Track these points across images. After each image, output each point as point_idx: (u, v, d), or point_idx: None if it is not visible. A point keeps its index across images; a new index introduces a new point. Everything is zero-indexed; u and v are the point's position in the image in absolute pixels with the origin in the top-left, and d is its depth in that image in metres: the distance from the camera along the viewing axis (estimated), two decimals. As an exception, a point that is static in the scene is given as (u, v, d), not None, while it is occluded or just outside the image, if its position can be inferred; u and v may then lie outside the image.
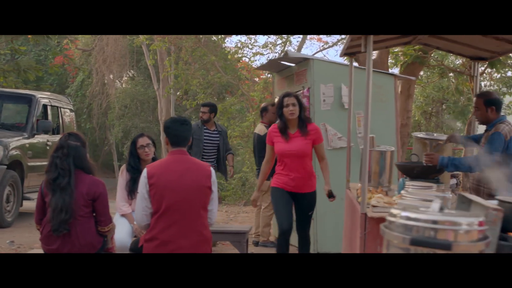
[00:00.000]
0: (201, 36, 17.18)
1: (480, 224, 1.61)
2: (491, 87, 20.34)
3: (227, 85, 18.80)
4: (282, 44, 18.91)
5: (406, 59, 12.73)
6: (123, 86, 25.82)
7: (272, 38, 18.53)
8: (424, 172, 4.85)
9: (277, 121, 5.52)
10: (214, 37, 19.10)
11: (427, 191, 2.38)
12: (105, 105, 22.22)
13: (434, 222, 1.58)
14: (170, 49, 18.22)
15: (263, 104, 8.15)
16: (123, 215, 5.53)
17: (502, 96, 20.36)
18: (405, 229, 1.59)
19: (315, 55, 20.89)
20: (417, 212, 1.60)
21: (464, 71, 13.73)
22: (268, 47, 18.55)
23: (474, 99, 5.04)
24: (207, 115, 8.00)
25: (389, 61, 14.52)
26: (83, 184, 4.47)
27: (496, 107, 4.82)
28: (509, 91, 19.63)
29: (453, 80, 15.48)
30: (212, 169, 4.45)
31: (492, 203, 1.89)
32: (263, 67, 9.26)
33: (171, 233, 4.19)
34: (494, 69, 16.13)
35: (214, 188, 4.40)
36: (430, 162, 4.79)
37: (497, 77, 19.33)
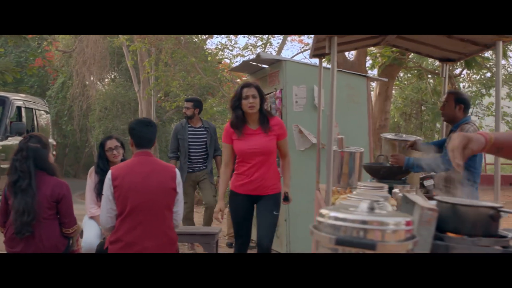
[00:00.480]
0: (181, 37, 17.15)
1: (408, 223, 1.61)
2: (470, 89, 20.52)
3: (208, 86, 18.77)
4: (263, 45, 18.94)
5: (384, 61, 12.80)
6: (105, 88, 25.71)
7: (253, 39, 18.56)
8: (390, 173, 4.86)
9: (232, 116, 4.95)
10: (195, 39, 19.09)
11: (378, 191, 2.38)
12: (85, 107, 22.08)
13: (361, 222, 1.58)
14: (151, 51, 18.16)
15: None
16: (92, 217, 5.50)
17: (481, 98, 20.56)
18: (333, 229, 1.59)
19: (295, 57, 20.98)
20: (345, 212, 1.60)
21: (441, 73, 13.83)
22: (248, 49, 18.58)
23: (445, 95, 5.07)
24: (191, 111, 7.49)
25: (369, 62, 14.62)
26: (46, 186, 4.44)
27: (464, 106, 4.85)
28: (488, 92, 19.80)
29: (431, 82, 15.59)
30: (177, 170, 4.43)
31: (429, 203, 1.90)
32: (236, 69, 9.24)
33: (135, 234, 4.18)
34: (472, 70, 16.29)
35: (179, 189, 4.39)
36: (395, 163, 4.80)
37: (476, 78, 19.51)
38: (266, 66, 7.59)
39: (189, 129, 7.49)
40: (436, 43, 5.27)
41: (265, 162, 4.86)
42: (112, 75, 25.50)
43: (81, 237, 5.28)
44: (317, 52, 5.29)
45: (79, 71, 20.77)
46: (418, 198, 2.00)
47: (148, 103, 19.31)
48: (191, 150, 7.46)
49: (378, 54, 13.11)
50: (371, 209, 1.66)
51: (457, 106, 4.86)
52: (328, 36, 4.30)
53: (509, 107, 20.45)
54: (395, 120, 17.19)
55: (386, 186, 2.45)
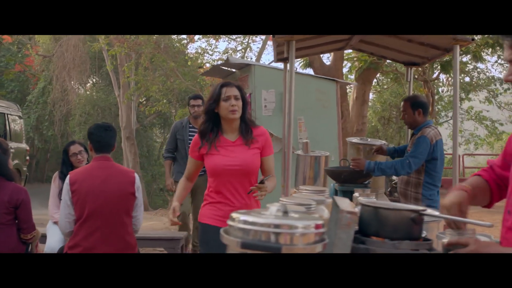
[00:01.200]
0: (161, 41, 17.14)
1: (317, 227, 1.61)
2: (449, 93, 20.67)
3: (188, 91, 18.75)
4: (243, 50, 18.96)
5: (361, 65, 12.87)
6: (87, 92, 25.60)
7: (233, 44, 18.59)
8: (352, 177, 4.89)
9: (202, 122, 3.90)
10: (176, 43, 19.08)
11: (316, 195, 2.39)
12: (65, 111, 21.97)
13: (269, 225, 1.58)
14: (130, 55, 18.12)
15: None
16: (55, 222, 5.46)
17: (461, 101, 20.71)
18: (243, 233, 1.59)
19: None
20: (255, 216, 1.59)
21: (417, 77, 13.92)
22: (228, 53, 18.56)
23: (402, 104, 5.10)
24: (200, 109, 6.50)
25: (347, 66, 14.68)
26: (4, 192, 4.41)
27: (422, 110, 4.88)
28: (467, 96, 19.95)
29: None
30: (136, 175, 4.41)
31: (349, 207, 1.90)
32: (207, 73, 9.25)
33: (94, 239, 4.15)
34: (449, 74, 16.39)
35: (139, 194, 4.36)
36: (356, 167, 4.83)
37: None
38: (236, 70, 7.60)
39: (190, 129, 6.76)
40: (398, 47, 5.31)
41: (246, 184, 3.73)
42: (94, 80, 25.40)
43: (43, 242, 5.24)
44: (280, 56, 5.31)
45: (59, 75, 20.65)
46: (343, 202, 2.01)
47: (128, 107, 19.25)
48: None
49: (355, 59, 13.17)
50: (285, 212, 1.66)
51: (415, 111, 4.89)
52: (286, 41, 4.31)
53: (488, 111, 20.64)
54: (373, 124, 17.25)
55: (326, 190, 2.45)
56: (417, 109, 4.88)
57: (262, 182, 3.57)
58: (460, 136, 23.79)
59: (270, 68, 7.56)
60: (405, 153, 5.07)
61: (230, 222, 1.63)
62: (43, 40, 21.76)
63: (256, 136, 3.79)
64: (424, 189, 4.83)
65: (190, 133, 6.73)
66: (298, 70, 12.74)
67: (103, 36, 18.31)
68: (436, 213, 2.16)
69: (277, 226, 1.56)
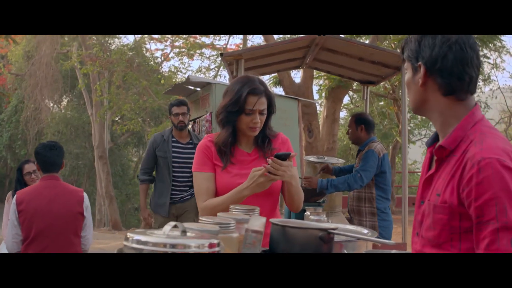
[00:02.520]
0: (134, 60, 17.13)
1: (211, 246, 1.60)
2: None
3: (161, 109, 18.72)
4: (216, 68, 19.01)
5: (331, 84, 12.92)
6: (62, 111, 25.43)
7: (206, 62, 18.67)
8: (304, 195, 4.88)
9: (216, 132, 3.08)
10: (150, 61, 19.09)
11: (244, 214, 2.37)
12: (36, 131, 21.78)
13: (161, 245, 1.57)
14: (103, 73, 18.08)
15: None
16: (9, 242, 5.38)
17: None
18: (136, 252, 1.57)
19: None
20: (148, 236, 1.58)
21: (387, 95, 14.04)
22: (201, 71, 18.62)
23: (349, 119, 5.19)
24: (187, 118, 5.62)
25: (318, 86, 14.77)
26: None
27: (365, 126, 4.96)
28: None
29: (380, 103, 15.80)
30: (85, 194, 4.37)
31: (256, 225, 1.89)
32: (170, 92, 9.17)
33: (40, 260, 4.09)
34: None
35: (87, 214, 4.30)
36: (308, 185, 4.83)
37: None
38: (199, 89, 7.57)
39: (174, 144, 5.57)
40: (352, 65, 5.35)
41: (268, 207, 2.88)
42: (68, 98, 25.25)
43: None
44: (235, 74, 5.32)
45: (31, 94, 20.51)
46: (255, 221, 1.99)
47: (101, 126, 19.15)
48: (176, 174, 5.53)
49: (325, 77, 13.24)
50: (182, 232, 1.65)
51: (358, 128, 4.97)
52: (235, 59, 4.33)
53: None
54: (345, 143, 17.32)
55: (257, 209, 2.43)
56: (360, 125, 4.96)
57: (280, 157, 2.67)
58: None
59: (231, 87, 7.54)
60: (351, 172, 5.12)
61: (124, 242, 1.61)
62: (15, 59, 21.61)
63: (276, 147, 2.99)
64: (377, 202, 4.88)
65: (174, 149, 5.53)
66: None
67: (75, 54, 18.26)
68: (348, 231, 2.15)
69: (172, 245, 1.55)
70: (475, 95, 1.93)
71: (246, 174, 2.80)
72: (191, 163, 3.34)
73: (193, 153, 3.69)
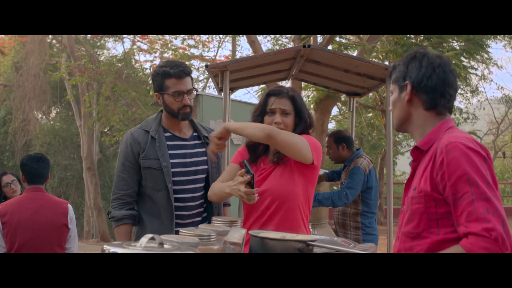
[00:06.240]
0: (123, 71, 17.12)
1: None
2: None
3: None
4: (205, 79, 19.03)
5: (319, 95, 12.95)
6: (50, 122, 25.32)
7: (195, 74, 18.67)
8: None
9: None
10: (139, 72, 19.08)
11: (227, 226, 2.37)
12: (24, 142, 21.67)
13: (137, 258, 1.56)
14: (92, 84, 18.04)
15: None
16: (-9, 255, 5.32)
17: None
18: (111, 266, 1.56)
19: (237, 92, 21.08)
20: (125, 248, 1.57)
21: (375, 107, 14.09)
22: (190, 83, 18.57)
23: (326, 138, 5.17)
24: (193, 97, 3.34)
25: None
26: None
27: (346, 144, 4.96)
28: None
29: (369, 115, 15.85)
30: (69, 206, 4.34)
31: (235, 237, 1.89)
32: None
33: (24, 273, 4.06)
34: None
35: (72, 226, 4.28)
36: (293, 197, 4.82)
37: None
38: (186, 100, 7.57)
39: (171, 143, 3.22)
40: (338, 77, 5.37)
41: (289, 216, 2.82)
42: (56, 109, 25.17)
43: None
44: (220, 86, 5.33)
45: (19, 105, 20.42)
46: (234, 232, 2.00)
47: (89, 137, 19.08)
48: (178, 195, 3.20)
49: (313, 88, 13.26)
50: (160, 244, 1.65)
51: (339, 147, 4.97)
52: (220, 71, 4.34)
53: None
54: (334, 154, 17.32)
55: (238, 221, 2.43)
56: (340, 144, 4.96)
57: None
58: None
59: (218, 98, 7.58)
60: (340, 180, 5.13)
61: (100, 255, 1.61)
62: (3, 69, 21.54)
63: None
64: (362, 218, 4.88)
65: (173, 151, 3.21)
66: (253, 99, 12.83)
67: (64, 65, 18.23)
68: (328, 243, 2.16)
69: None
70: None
71: (267, 179, 2.83)
72: (204, 169, 3.22)
73: (205, 154, 3.22)
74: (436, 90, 2.06)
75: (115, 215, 3.20)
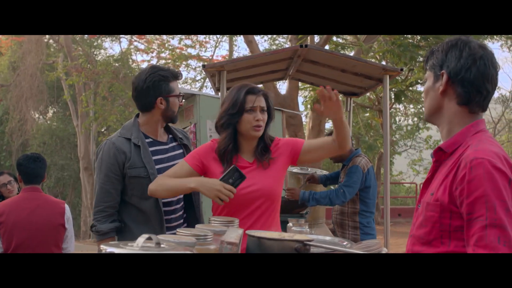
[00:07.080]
0: (120, 71, 17.11)
1: (184, 258, 1.59)
2: (406, 122, 20.97)
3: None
4: (202, 79, 19.03)
5: (316, 95, 12.96)
6: (48, 122, 25.31)
7: (192, 74, 18.70)
8: (286, 207, 4.87)
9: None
10: (136, 72, 19.03)
11: (223, 225, 2.37)
12: (21, 142, 21.65)
13: (134, 258, 1.55)
14: (89, 84, 18.03)
15: None
16: (-12, 255, 5.32)
17: (420, 131, 21.01)
18: (109, 266, 1.55)
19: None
20: (121, 248, 1.57)
21: (372, 107, 14.11)
22: (188, 83, 18.64)
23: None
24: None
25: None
26: None
27: None
28: (425, 125, 20.23)
29: (366, 115, 15.87)
30: (66, 206, 4.34)
31: (233, 237, 1.89)
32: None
33: (21, 273, 4.05)
34: (402, 104, 16.66)
35: (69, 225, 4.28)
36: (291, 197, 4.82)
37: (414, 112, 19.94)
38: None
39: (154, 148, 3.18)
40: (335, 77, 5.37)
41: (271, 215, 2.92)
42: (53, 109, 25.15)
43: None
44: (217, 86, 5.34)
45: (16, 105, 20.40)
46: (231, 232, 1.99)
47: (86, 137, 19.07)
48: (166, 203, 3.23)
49: (310, 88, 13.28)
50: (157, 244, 1.65)
51: None
52: (217, 71, 4.34)
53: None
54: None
55: (236, 221, 2.43)
56: None
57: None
58: (419, 165, 24.16)
59: (215, 98, 7.56)
60: (337, 179, 5.10)
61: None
62: (0, 69, 21.51)
63: (274, 153, 2.92)
64: (360, 217, 4.86)
65: (157, 157, 3.19)
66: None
67: (61, 65, 18.21)
68: (325, 243, 2.16)
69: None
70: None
71: (252, 178, 2.79)
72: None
73: (183, 156, 3.22)
74: (473, 84, 1.91)
75: (100, 230, 3.13)
